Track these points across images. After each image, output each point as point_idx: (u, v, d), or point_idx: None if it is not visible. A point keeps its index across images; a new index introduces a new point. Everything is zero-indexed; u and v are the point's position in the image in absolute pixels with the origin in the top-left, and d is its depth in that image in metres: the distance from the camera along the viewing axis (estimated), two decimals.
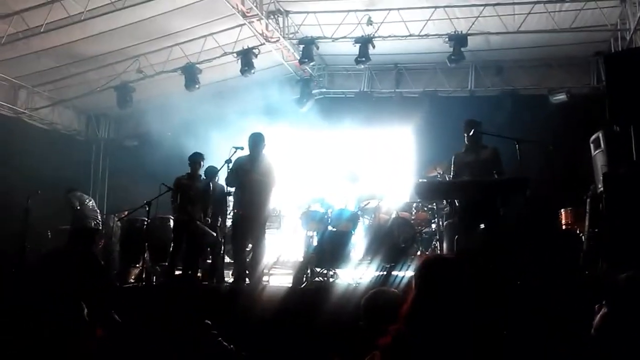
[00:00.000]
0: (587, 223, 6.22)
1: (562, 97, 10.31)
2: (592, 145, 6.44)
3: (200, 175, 7.51)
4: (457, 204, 6.36)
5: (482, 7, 8.85)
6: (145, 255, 7.45)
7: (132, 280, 7.59)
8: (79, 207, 9.17)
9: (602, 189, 5.70)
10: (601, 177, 5.76)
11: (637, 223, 4.89)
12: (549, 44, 9.78)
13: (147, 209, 7.31)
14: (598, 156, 6.27)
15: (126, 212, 8.54)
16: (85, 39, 9.19)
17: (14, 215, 8.89)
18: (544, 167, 8.21)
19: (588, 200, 6.32)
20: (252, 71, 9.87)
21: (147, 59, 10.24)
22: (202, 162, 7.49)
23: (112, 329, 2.59)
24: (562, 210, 7.86)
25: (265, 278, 6.84)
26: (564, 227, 7.71)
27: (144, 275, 7.30)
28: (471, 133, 6.10)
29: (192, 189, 7.35)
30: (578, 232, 6.74)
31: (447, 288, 1.94)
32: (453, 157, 6.36)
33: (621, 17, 8.86)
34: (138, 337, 2.63)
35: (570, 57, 10.39)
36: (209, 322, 2.88)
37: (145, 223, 7.73)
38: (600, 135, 6.17)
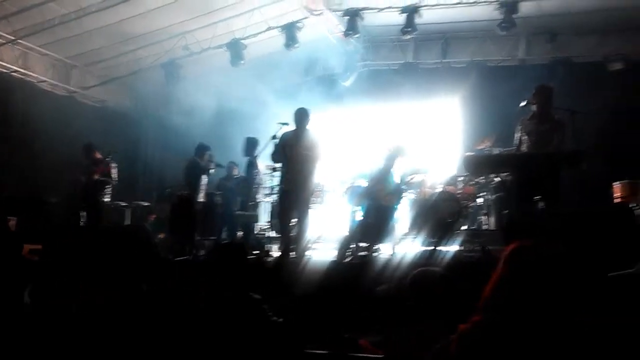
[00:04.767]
0: None
1: (618, 64, 9.80)
2: None
3: None
4: (507, 178, 6.18)
5: None
6: (195, 229, 7.67)
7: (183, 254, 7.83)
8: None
9: None
10: None
11: None
12: (605, 8, 9.24)
13: None
14: None
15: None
16: (134, 17, 9.40)
17: (67, 189, 9.28)
18: (600, 139, 7.86)
19: None
20: (297, 45, 9.86)
21: (193, 35, 10.36)
22: None
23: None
24: (618, 182, 7.55)
25: (309, 252, 6.91)
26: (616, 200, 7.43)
27: (193, 249, 7.53)
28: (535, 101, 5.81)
29: None
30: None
31: (546, 280, 1.76)
32: (520, 122, 6.11)
33: None
34: (187, 310, 2.74)
35: (628, 21, 9.75)
36: (258, 296, 2.96)
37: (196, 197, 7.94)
38: None
